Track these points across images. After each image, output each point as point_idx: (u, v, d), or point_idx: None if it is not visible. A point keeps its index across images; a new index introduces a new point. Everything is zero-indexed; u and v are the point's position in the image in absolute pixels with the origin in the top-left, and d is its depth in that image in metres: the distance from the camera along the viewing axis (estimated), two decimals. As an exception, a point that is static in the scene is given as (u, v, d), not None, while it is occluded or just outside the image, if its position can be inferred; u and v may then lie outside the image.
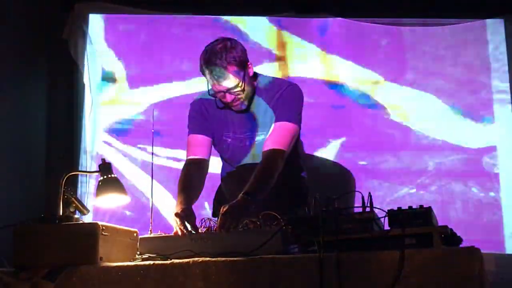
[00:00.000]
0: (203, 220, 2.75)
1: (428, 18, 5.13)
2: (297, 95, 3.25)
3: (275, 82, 3.32)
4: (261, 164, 3.06)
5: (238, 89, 3.10)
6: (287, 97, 3.20)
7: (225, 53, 3.05)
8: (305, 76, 4.97)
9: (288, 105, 3.18)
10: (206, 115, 3.32)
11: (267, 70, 4.68)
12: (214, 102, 3.29)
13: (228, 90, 3.10)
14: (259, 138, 3.23)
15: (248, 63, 3.16)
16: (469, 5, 5.08)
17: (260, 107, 3.24)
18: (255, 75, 3.28)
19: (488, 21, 5.13)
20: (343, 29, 5.10)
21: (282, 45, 5.06)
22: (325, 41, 5.09)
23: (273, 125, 3.17)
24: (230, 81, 3.07)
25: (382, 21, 5.09)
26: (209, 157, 3.32)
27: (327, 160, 4.61)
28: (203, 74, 3.13)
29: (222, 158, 3.44)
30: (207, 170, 3.30)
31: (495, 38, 5.12)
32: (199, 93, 3.42)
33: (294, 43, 5.08)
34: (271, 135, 3.14)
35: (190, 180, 3.17)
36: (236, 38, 3.24)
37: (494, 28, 5.14)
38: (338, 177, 4.60)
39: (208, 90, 3.20)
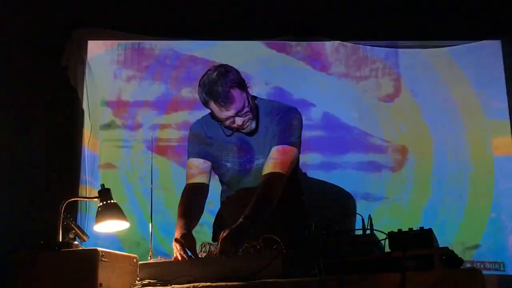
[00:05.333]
0: (203, 245, 2.75)
1: (425, 40, 5.15)
2: (296, 119, 3.24)
3: (274, 105, 3.31)
4: (260, 188, 3.04)
5: (246, 109, 3.10)
6: (286, 120, 3.20)
7: (224, 79, 3.04)
8: (305, 98, 4.99)
9: (287, 129, 3.17)
10: (205, 139, 3.31)
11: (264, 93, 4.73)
12: (214, 126, 3.28)
13: (237, 113, 3.08)
14: (258, 161, 3.22)
15: (247, 83, 3.17)
16: (466, 26, 5.11)
17: (260, 130, 3.24)
18: (254, 98, 3.29)
19: (485, 42, 5.16)
20: (341, 51, 5.13)
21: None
22: (323, 63, 5.12)
23: (272, 148, 3.16)
24: (237, 104, 3.05)
25: (379, 44, 5.12)
26: (209, 181, 3.31)
27: (327, 183, 4.59)
28: (207, 106, 3.12)
29: (222, 182, 3.43)
30: (207, 194, 3.29)
31: (493, 58, 5.14)
32: (200, 118, 3.42)
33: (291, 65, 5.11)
34: (270, 159, 3.12)
35: (190, 205, 3.16)
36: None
37: (492, 49, 5.16)
38: (339, 200, 4.59)
39: (212, 117, 3.19)
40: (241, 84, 3.10)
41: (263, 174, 3.09)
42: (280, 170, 3.08)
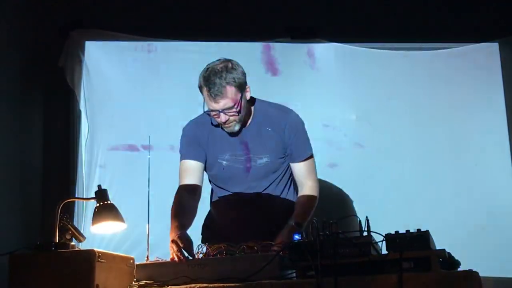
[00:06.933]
0: (200, 246, 2.75)
1: (423, 43, 5.16)
2: (302, 122, 3.33)
3: (276, 108, 3.33)
4: (307, 203, 3.23)
5: (234, 110, 3.10)
6: (300, 130, 3.30)
7: (226, 73, 3.06)
8: (300, 101, 4.98)
9: (304, 139, 3.31)
10: (199, 140, 3.31)
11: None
12: (208, 125, 3.29)
13: (224, 110, 3.09)
14: (260, 161, 3.25)
15: (247, 86, 3.17)
16: (464, 29, 5.12)
17: (259, 131, 3.26)
18: (253, 100, 3.29)
19: (483, 44, 5.16)
20: (338, 54, 5.13)
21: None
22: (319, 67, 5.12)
23: (300, 164, 3.29)
24: (227, 101, 3.06)
25: (376, 46, 5.12)
26: (202, 182, 3.32)
27: (326, 183, 4.58)
28: (201, 92, 3.13)
29: (214, 183, 3.43)
30: (200, 195, 3.31)
31: (490, 61, 5.14)
32: (193, 118, 3.42)
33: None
34: (304, 177, 3.30)
35: (183, 206, 3.16)
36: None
37: (489, 52, 5.16)
38: (338, 202, 4.59)
39: (204, 111, 3.20)
40: (240, 85, 3.11)
41: (304, 193, 3.29)
42: (315, 190, 3.32)
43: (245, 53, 5.00)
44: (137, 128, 4.86)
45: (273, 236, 2.90)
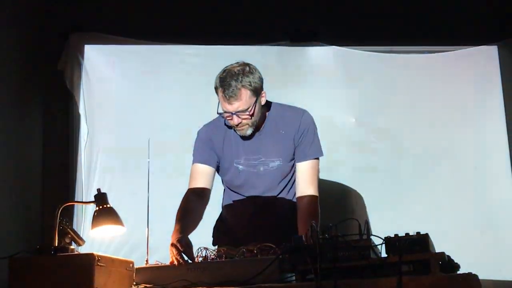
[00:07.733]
0: (200, 250, 2.74)
1: (422, 46, 5.17)
2: (314, 124, 3.32)
3: (290, 111, 3.34)
4: (307, 211, 3.13)
5: (247, 113, 3.10)
6: (310, 130, 3.28)
7: (242, 76, 3.07)
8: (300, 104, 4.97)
9: (313, 140, 3.27)
10: (212, 143, 3.32)
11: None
12: (224, 128, 3.30)
13: (237, 113, 3.10)
14: (272, 164, 3.25)
15: (262, 92, 3.18)
16: (463, 32, 5.13)
17: (272, 135, 3.26)
18: (268, 104, 3.30)
19: (482, 47, 5.17)
20: (337, 57, 5.13)
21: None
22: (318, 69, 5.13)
23: (303, 164, 3.25)
24: (241, 104, 3.07)
25: (376, 49, 5.13)
26: (211, 186, 3.32)
27: (326, 186, 4.58)
28: (216, 93, 3.14)
29: (228, 187, 3.43)
30: (208, 200, 3.30)
31: (489, 64, 5.15)
32: (208, 122, 3.42)
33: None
34: (305, 179, 3.23)
35: (189, 209, 3.17)
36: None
37: (488, 55, 5.17)
38: (337, 204, 4.59)
39: (218, 112, 3.20)
40: (256, 90, 3.11)
41: (301, 195, 3.21)
42: (316, 191, 3.24)
43: (245, 57, 5.01)
44: (136, 132, 4.86)
45: (285, 240, 2.88)
